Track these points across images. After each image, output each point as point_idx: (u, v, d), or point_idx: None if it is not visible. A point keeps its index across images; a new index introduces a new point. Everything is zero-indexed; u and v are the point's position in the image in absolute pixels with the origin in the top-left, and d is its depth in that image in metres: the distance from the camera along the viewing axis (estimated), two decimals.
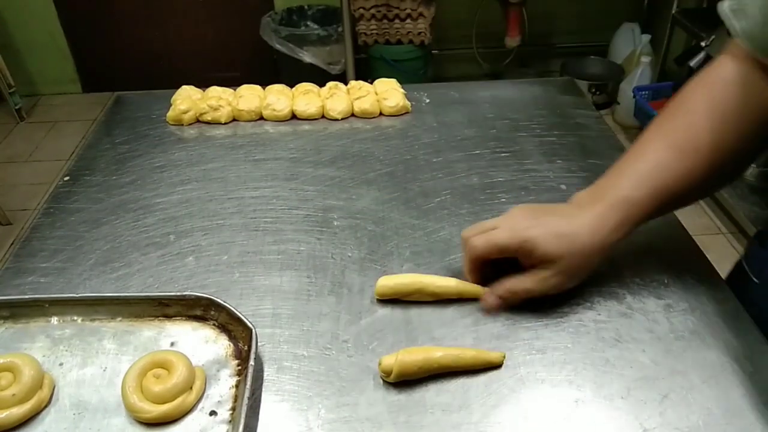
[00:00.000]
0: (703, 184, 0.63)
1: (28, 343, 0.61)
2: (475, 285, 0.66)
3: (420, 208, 0.79)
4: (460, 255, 0.71)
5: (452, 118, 0.99)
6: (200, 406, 0.55)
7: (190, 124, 0.99)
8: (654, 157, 0.62)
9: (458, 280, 0.66)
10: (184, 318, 0.63)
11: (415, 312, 0.64)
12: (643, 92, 2.55)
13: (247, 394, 0.52)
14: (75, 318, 0.63)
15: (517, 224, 0.61)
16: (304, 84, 1.04)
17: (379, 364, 0.57)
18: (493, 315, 0.63)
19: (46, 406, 0.55)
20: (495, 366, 0.58)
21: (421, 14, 2.58)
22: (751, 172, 2.23)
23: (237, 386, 0.57)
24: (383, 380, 0.57)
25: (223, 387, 0.57)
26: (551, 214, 0.63)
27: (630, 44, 2.83)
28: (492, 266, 0.65)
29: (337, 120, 0.99)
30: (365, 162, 0.89)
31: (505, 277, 0.63)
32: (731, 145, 0.62)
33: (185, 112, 0.98)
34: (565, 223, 0.61)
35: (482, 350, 0.59)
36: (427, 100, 1.04)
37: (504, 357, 0.58)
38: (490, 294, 0.63)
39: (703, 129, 0.62)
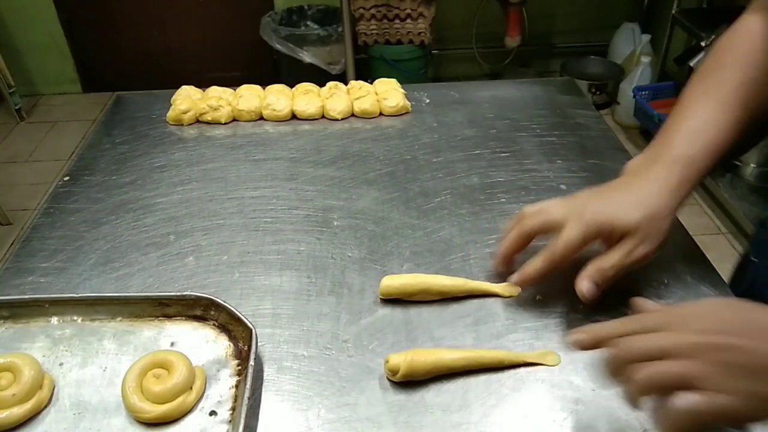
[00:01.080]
0: (748, 133, 0.64)
1: (28, 343, 0.61)
2: (481, 282, 0.66)
3: (420, 208, 0.79)
4: (459, 255, 0.71)
5: (452, 118, 0.99)
6: (200, 406, 0.55)
7: (190, 124, 0.99)
8: (702, 112, 0.63)
9: (464, 279, 0.66)
10: (184, 318, 0.63)
11: (415, 312, 0.64)
12: (643, 92, 2.55)
13: (247, 394, 0.52)
14: (75, 318, 0.63)
15: (587, 211, 0.60)
16: (304, 84, 1.04)
17: (386, 362, 0.57)
18: (588, 304, 0.60)
19: (46, 406, 0.55)
20: (496, 366, 0.58)
21: (421, 14, 2.58)
22: (751, 171, 2.23)
23: (237, 386, 0.57)
24: (388, 379, 0.57)
25: (223, 387, 0.57)
26: (614, 190, 0.62)
27: (630, 44, 2.83)
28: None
29: (337, 120, 0.99)
30: (365, 162, 0.89)
31: (590, 263, 0.60)
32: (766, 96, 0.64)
33: (185, 112, 0.98)
34: (632, 194, 0.60)
35: (489, 350, 0.59)
36: (427, 100, 1.04)
37: (505, 360, 0.58)
38: (581, 280, 0.59)
39: (741, 82, 0.63)
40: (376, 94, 1.02)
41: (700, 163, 0.61)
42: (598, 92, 2.82)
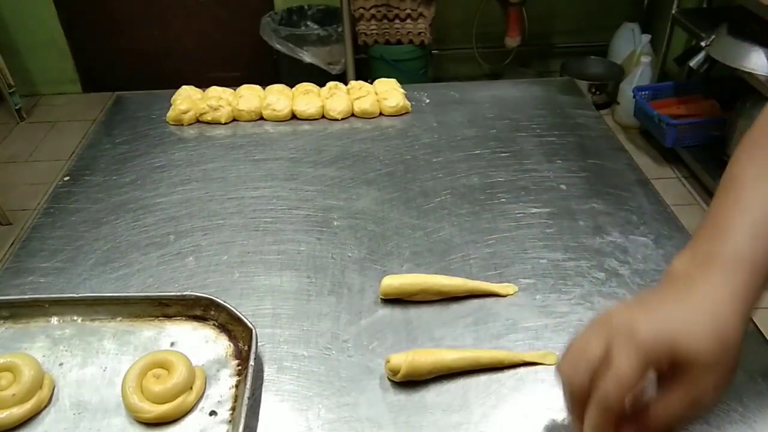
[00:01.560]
0: None
1: (28, 343, 0.61)
2: (481, 282, 0.66)
3: (420, 208, 0.79)
4: (459, 255, 0.71)
5: (452, 118, 0.99)
6: (200, 406, 0.55)
7: (190, 124, 0.99)
8: (762, 197, 0.49)
9: (464, 279, 0.66)
10: (184, 318, 0.63)
11: (415, 312, 0.64)
12: (643, 92, 2.55)
13: (247, 394, 0.52)
14: (75, 318, 0.63)
15: (640, 327, 0.43)
16: (304, 84, 1.04)
17: (387, 362, 0.57)
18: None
19: (46, 406, 0.55)
20: (496, 366, 0.58)
21: (421, 14, 2.58)
22: None
23: (237, 386, 0.57)
24: (388, 379, 0.57)
25: (223, 387, 0.57)
26: (667, 298, 0.46)
27: (630, 44, 2.83)
28: None
29: (337, 120, 0.99)
30: (365, 162, 0.89)
31: (655, 405, 0.44)
32: None
33: (185, 112, 0.98)
34: (698, 306, 0.44)
35: (490, 350, 0.59)
36: (427, 100, 1.04)
37: (507, 360, 0.58)
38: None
39: None
40: (376, 94, 1.02)
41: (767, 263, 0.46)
42: (598, 92, 2.82)
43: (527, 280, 0.68)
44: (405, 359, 0.56)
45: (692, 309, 0.43)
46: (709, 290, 0.44)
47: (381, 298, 0.65)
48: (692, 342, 0.41)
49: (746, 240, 0.46)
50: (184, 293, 0.62)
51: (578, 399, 0.44)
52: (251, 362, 0.55)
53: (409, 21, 2.60)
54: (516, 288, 0.66)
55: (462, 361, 0.57)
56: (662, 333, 0.42)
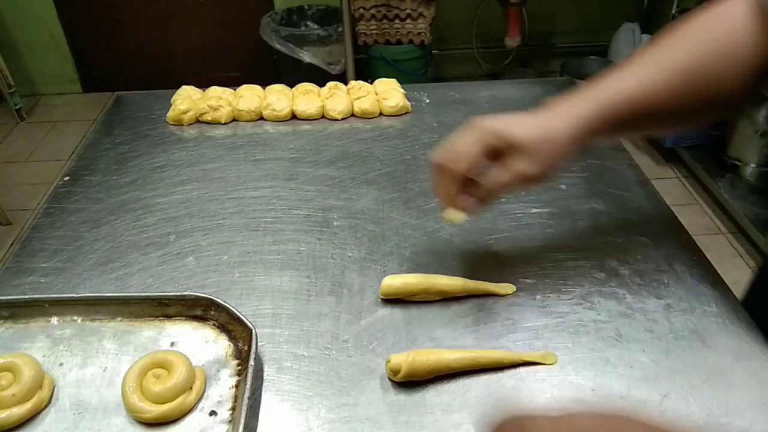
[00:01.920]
0: (682, 107, 0.61)
1: (28, 343, 0.61)
2: (481, 282, 0.66)
3: (420, 208, 0.79)
4: (459, 255, 0.71)
5: (452, 118, 0.99)
6: (200, 406, 0.55)
7: (190, 124, 0.99)
8: (640, 69, 0.61)
9: (463, 279, 0.66)
10: (184, 318, 0.63)
11: (415, 312, 0.64)
12: None
13: (247, 394, 0.52)
14: (75, 318, 0.63)
15: (485, 122, 0.58)
16: (304, 84, 1.04)
17: (387, 362, 0.57)
18: (472, 216, 0.60)
19: (46, 406, 0.55)
20: (496, 366, 0.58)
21: (421, 14, 2.58)
22: (751, 172, 2.23)
23: (237, 386, 0.57)
24: (389, 379, 0.57)
25: (223, 387, 0.57)
26: (521, 114, 0.60)
27: (630, 44, 2.83)
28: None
29: (337, 120, 0.99)
30: (365, 162, 0.89)
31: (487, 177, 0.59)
32: (717, 76, 0.60)
33: (185, 112, 0.98)
34: (536, 118, 0.59)
35: (490, 350, 0.59)
36: (427, 100, 1.04)
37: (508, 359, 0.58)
38: (465, 198, 0.59)
39: (696, 53, 0.60)
40: (376, 94, 1.02)
41: (617, 108, 0.58)
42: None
43: (527, 280, 0.68)
44: (405, 359, 0.56)
45: (533, 118, 0.58)
46: (554, 112, 0.59)
47: (381, 298, 0.65)
48: (522, 133, 0.56)
49: (606, 88, 0.59)
50: (184, 293, 0.62)
51: (441, 174, 0.59)
52: (251, 362, 0.55)
53: (409, 21, 2.60)
54: (514, 288, 0.66)
55: (462, 361, 0.57)
56: (499, 124, 0.57)
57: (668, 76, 0.60)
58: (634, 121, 0.60)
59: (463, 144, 0.58)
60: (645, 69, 0.60)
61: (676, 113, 0.63)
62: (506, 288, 0.66)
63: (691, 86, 0.60)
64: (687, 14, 0.64)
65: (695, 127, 0.65)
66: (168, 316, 0.63)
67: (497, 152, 0.58)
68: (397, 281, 0.65)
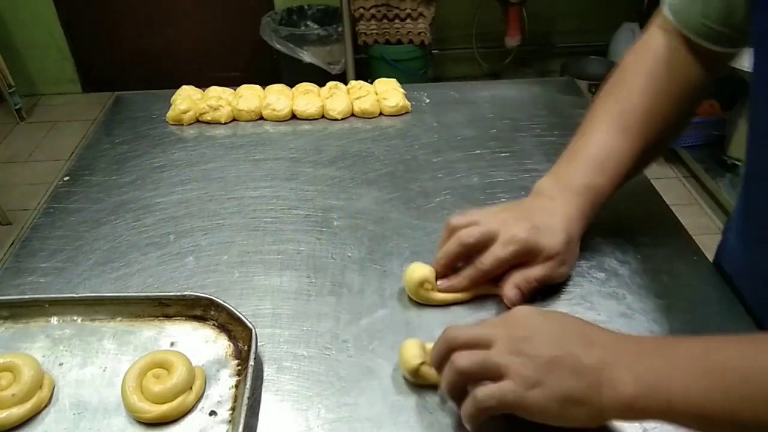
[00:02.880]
0: (645, 158, 0.70)
1: (28, 343, 0.61)
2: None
3: (420, 208, 0.79)
4: None
5: (452, 118, 0.99)
6: (200, 406, 0.55)
7: (190, 124, 0.99)
8: (605, 142, 0.68)
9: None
10: (184, 318, 0.63)
11: (415, 312, 0.64)
12: None
13: (247, 394, 0.52)
14: (75, 318, 0.63)
15: (518, 232, 0.62)
16: (304, 84, 1.04)
17: (406, 363, 0.56)
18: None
19: (46, 406, 0.55)
20: None
21: (421, 14, 2.58)
22: None
23: (237, 386, 0.57)
24: (403, 378, 0.57)
25: (223, 387, 0.57)
26: (536, 212, 0.65)
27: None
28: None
29: (337, 120, 0.99)
30: (365, 162, 0.89)
31: (515, 272, 0.63)
32: (666, 120, 0.68)
33: (185, 112, 0.98)
34: (555, 219, 0.64)
35: None
36: (427, 100, 1.04)
37: None
38: (509, 287, 0.62)
39: (642, 108, 0.68)
40: (376, 94, 1.02)
41: (606, 191, 0.66)
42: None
43: None
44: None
45: (554, 222, 0.63)
46: (564, 210, 0.65)
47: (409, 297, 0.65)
48: (552, 242, 0.62)
49: (591, 172, 0.66)
50: (184, 293, 0.63)
51: (463, 246, 0.63)
52: (251, 362, 0.55)
53: (409, 21, 2.60)
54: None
55: None
56: (532, 238, 0.62)
57: (635, 143, 0.67)
58: (620, 187, 0.69)
59: (500, 255, 0.62)
60: (612, 145, 0.67)
61: (643, 167, 0.73)
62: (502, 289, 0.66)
63: (652, 139, 0.68)
64: (623, 60, 0.72)
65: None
66: (168, 316, 0.63)
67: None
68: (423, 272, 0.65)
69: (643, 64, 0.70)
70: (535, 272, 0.62)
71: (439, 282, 0.65)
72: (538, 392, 0.46)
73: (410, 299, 0.65)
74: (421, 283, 0.64)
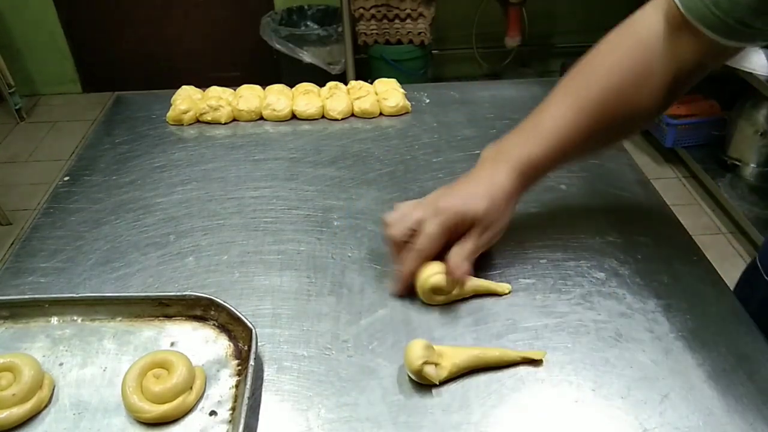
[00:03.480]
0: (601, 138, 0.69)
1: (28, 343, 0.61)
2: (485, 280, 0.67)
3: None
4: None
5: (452, 118, 0.99)
6: (200, 406, 0.55)
7: (190, 124, 0.99)
8: (557, 114, 0.66)
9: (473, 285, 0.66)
10: (184, 318, 0.63)
11: (415, 312, 0.64)
12: None
13: (247, 394, 0.52)
14: (75, 318, 0.63)
15: (440, 205, 0.65)
16: (304, 84, 1.04)
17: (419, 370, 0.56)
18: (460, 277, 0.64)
19: (46, 406, 0.55)
20: (496, 365, 0.58)
21: (421, 14, 2.58)
22: (751, 172, 2.23)
23: (237, 386, 0.57)
24: (409, 377, 0.57)
25: (223, 387, 0.57)
26: (463, 184, 0.67)
27: None
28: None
29: (337, 120, 0.99)
30: (365, 162, 0.89)
31: (452, 249, 0.64)
32: (631, 102, 0.66)
33: (185, 112, 0.98)
34: (480, 187, 0.66)
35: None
36: (427, 100, 1.04)
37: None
38: (450, 261, 0.63)
39: (604, 86, 0.65)
40: (376, 94, 1.02)
41: (542, 163, 0.66)
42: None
43: (527, 280, 0.68)
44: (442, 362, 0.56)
45: (478, 189, 0.65)
46: (490, 177, 0.66)
47: (423, 301, 0.65)
48: (473, 208, 0.64)
49: (532, 143, 0.66)
50: (184, 293, 0.63)
51: (398, 247, 0.66)
52: (251, 362, 0.55)
53: (409, 21, 2.60)
54: (510, 287, 0.66)
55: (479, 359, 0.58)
56: (453, 207, 0.64)
57: (585, 120, 0.66)
58: (558, 166, 0.70)
59: (428, 231, 0.64)
60: (561, 118, 0.66)
61: (595, 146, 0.72)
62: (504, 288, 0.66)
63: (608, 119, 0.66)
64: (609, 32, 0.67)
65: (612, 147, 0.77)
66: (168, 316, 0.63)
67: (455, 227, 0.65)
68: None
69: (622, 42, 0.66)
70: (466, 243, 0.64)
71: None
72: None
73: (417, 297, 0.65)
74: (434, 290, 0.64)
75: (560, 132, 0.66)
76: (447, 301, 0.65)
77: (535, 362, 0.58)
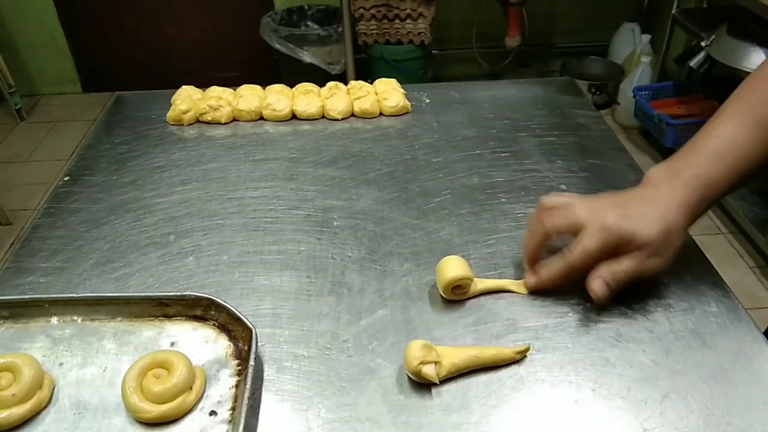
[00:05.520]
0: None
1: (28, 343, 0.61)
2: (494, 280, 0.67)
3: (420, 208, 0.79)
4: (460, 255, 0.71)
5: (452, 118, 0.99)
6: (200, 406, 0.55)
7: (190, 124, 0.99)
8: (729, 132, 0.62)
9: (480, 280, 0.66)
10: (184, 318, 0.63)
11: (415, 312, 0.64)
12: (643, 92, 2.55)
13: (247, 394, 0.52)
14: (75, 318, 0.63)
15: (609, 220, 0.60)
16: (304, 84, 1.04)
17: (418, 372, 0.56)
18: (599, 303, 0.62)
19: (46, 406, 0.55)
20: (497, 365, 0.58)
21: (421, 14, 2.58)
22: None
23: (237, 386, 0.57)
24: (407, 377, 0.57)
25: (223, 387, 0.57)
26: (634, 200, 0.62)
27: (630, 44, 2.83)
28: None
29: (337, 120, 0.99)
30: (365, 162, 0.89)
31: (603, 264, 0.60)
32: None
33: (185, 112, 0.98)
34: (652, 208, 0.60)
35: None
36: (427, 100, 1.04)
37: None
38: (594, 280, 0.60)
39: None
40: (376, 94, 1.02)
41: (720, 184, 0.62)
42: (598, 92, 2.82)
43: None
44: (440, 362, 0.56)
45: (650, 210, 0.60)
46: (667, 199, 0.61)
47: (442, 297, 0.65)
48: (644, 231, 0.59)
49: (706, 162, 0.62)
50: (184, 293, 0.63)
51: (540, 243, 0.64)
52: (251, 362, 0.55)
53: (409, 21, 2.60)
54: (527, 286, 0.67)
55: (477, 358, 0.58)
56: (623, 226, 0.59)
57: (759, 134, 0.61)
58: (735, 188, 0.64)
59: (588, 245, 0.60)
60: (734, 135, 0.62)
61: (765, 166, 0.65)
62: (523, 287, 0.66)
63: None
64: (757, 69, 0.66)
65: None
66: (168, 316, 0.63)
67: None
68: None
69: None
70: (623, 263, 0.59)
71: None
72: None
73: (417, 297, 0.65)
74: (453, 285, 0.64)
75: (738, 152, 0.62)
76: (464, 297, 0.65)
77: (535, 362, 0.58)
